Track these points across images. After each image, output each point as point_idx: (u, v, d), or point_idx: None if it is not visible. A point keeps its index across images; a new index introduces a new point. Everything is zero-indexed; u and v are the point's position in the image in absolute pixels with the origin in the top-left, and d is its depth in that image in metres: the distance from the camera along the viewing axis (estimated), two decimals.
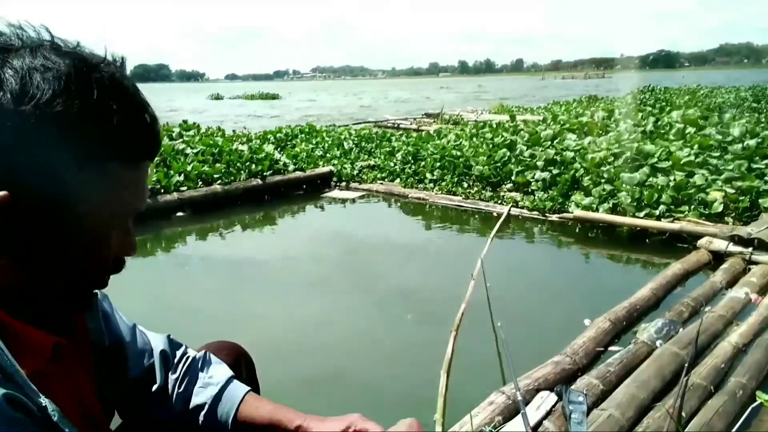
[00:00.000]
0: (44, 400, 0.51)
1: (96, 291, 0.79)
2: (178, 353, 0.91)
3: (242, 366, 1.01)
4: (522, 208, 4.94)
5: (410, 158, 6.53)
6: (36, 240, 0.55)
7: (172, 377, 0.88)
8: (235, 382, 0.90)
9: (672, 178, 4.61)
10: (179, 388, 0.88)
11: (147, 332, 0.90)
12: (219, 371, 0.91)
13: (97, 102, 0.54)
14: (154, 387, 0.86)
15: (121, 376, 0.84)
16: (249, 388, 0.90)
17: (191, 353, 0.93)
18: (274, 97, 37.74)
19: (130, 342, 0.85)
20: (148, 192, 0.64)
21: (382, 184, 6.15)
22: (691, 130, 6.41)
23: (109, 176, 0.56)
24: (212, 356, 0.94)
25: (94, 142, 0.54)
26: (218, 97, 40.17)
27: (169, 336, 0.92)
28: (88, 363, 0.71)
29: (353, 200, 5.76)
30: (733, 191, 4.29)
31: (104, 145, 0.55)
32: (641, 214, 4.20)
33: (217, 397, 0.87)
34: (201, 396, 0.87)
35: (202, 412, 0.86)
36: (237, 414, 0.86)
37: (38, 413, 0.50)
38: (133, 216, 0.64)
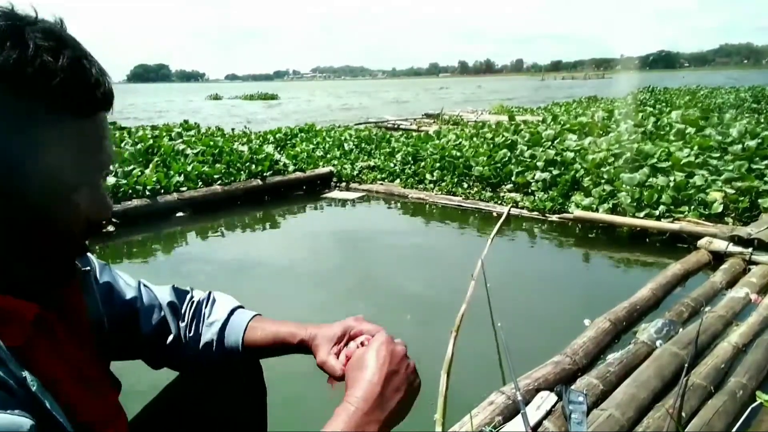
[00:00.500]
0: (24, 373, 0.51)
1: (90, 267, 0.78)
2: (186, 301, 0.92)
3: None
4: (522, 208, 4.94)
5: (410, 159, 6.53)
6: (1, 205, 0.53)
7: (182, 324, 0.89)
8: (239, 311, 0.91)
9: (672, 178, 4.61)
10: (189, 332, 0.89)
11: (153, 287, 0.91)
12: (222, 307, 0.92)
13: (35, 53, 0.52)
14: (170, 338, 0.88)
15: (136, 336, 0.85)
16: (254, 313, 0.91)
17: (196, 296, 0.94)
18: (273, 97, 37.65)
19: (138, 300, 0.86)
20: (112, 148, 0.62)
21: (382, 184, 6.15)
22: (691, 130, 6.42)
23: (64, 130, 0.55)
24: (216, 294, 0.95)
25: (40, 95, 0.53)
26: (217, 98, 40.05)
27: (173, 286, 0.93)
28: (86, 335, 0.70)
29: (353, 201, 5.76)
30: (732, 192, 4.29)
31: (51, 97, 0.53)
32: (641, 215, 4.20)
33: (222, 331, 0.88)
34: (208, 333, 0.89)
35: (213, 348, 0.88)
36: (244, 343, 0.87)
37: (18, 389, 0.49)
38: (101, 174, 0.62)
